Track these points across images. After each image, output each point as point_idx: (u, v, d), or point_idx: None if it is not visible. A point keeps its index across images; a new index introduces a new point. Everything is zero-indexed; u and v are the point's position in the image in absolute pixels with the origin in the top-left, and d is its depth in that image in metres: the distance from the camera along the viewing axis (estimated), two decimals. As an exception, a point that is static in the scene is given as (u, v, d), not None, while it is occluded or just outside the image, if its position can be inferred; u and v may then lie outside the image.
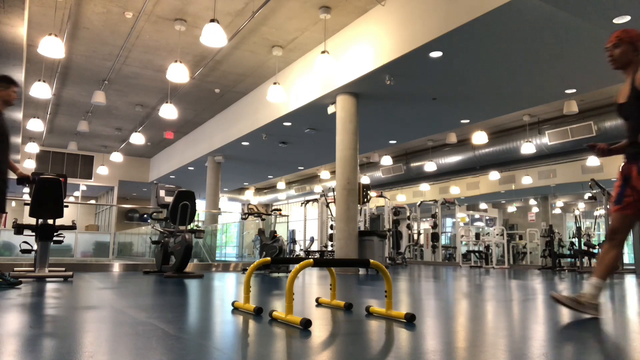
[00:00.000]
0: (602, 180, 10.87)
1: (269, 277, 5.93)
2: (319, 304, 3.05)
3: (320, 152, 12.54)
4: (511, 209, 19.04)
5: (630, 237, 9.34)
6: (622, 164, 2.75)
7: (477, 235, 13.78)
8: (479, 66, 6.88)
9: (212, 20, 5.88)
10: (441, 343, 1.85)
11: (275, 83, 7.89)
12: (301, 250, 17.12)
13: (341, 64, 7.68)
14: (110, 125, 13.49)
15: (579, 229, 10.49)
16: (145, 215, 21.33)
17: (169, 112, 8.40)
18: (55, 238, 4.98)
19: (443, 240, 16.39)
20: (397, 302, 3.26)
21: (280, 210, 8.51)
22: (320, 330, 2.09)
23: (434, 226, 14.65)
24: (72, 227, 5.10)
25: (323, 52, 6.77)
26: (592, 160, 12.24)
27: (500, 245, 12.98)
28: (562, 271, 10.08)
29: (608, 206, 9.53)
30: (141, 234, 14.39)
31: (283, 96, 7.92)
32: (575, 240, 10.59)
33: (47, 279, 4.74)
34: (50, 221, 4.96)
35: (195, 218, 10.04)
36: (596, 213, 12.81)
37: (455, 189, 16.99)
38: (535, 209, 17.76)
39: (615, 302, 3.65)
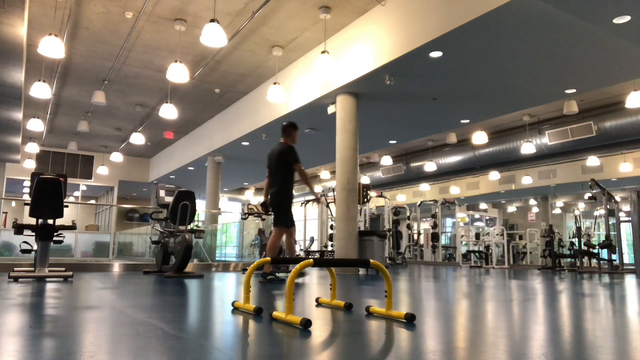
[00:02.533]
0: (602, 180, 10.88)
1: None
2: (319, 304, 3.05)
3: (320, 152, 12.53)
4: (511, 209, 19.04)
5: (630, 237, 9.33)
6: None
7: (477, 235, 13.78)
8: (479, 66, 6.87)
9: (212, 20, 5.88)
10: (441, 343, 1.85)
11: (275, 83, 7.89)
12: (301, 250, 17.11)
13: (341, 64, 7.68)
14: (110, 125, 13.49)
15: (579, 229, 10.49)
16: (145, 215, 21.33)
17: (169, 112, 8.40)
18: (55, 238, 4.98)
19: (443, 240, 16.38)
20: (397, 302, 3.26)
21: (280, 210, 8.48)
22: (320, 330, 2.09)
23: (434, 226, 14.64)
24: (72, 227, 5.10)
25: (323, 52, 6.76)
26: (592, 160, 12.25)
27: (500, 245, 12.98)
28: (562, 271, 10.08)
29: (608, 206, 9.53)
30: (141, 234, 14.40)
31: (283, 96, 7.92)
32: (575, 240, 10.59)
33: (47, 279, 4.74)
34: (50, 221, 4.96)
35: (195, 218, 10.03)
36: (596, 213, 12.81)
37: (455, 189, 16.98)
38: (535, 209, 17.76)
39: (615, 302, 3.66)
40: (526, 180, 14.58)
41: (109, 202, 18.24)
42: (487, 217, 19.52)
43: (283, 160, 5.21)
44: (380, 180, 15.84)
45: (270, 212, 5.43)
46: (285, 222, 5.17)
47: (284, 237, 5.33)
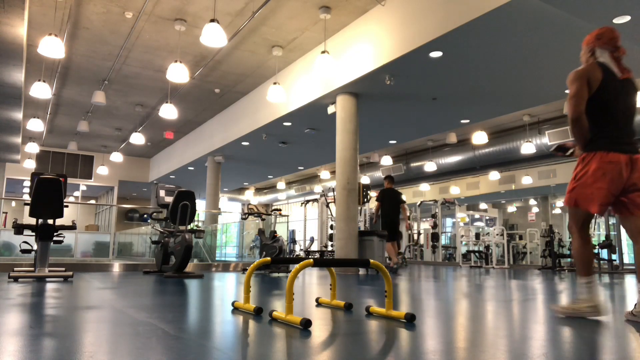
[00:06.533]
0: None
1: (269, 277, 5.93)
2: (319, 304, 3.05)
3: (320, 152, 12.54)
4: (511, 209, 19.04)
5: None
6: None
7: (477, 235, 13.78)
8: (479, 66, 6.88)
9: (212, 20, 5.88)
10: (441, 343, 1.85)
11: (275, 83, 7.89)
12: (301, 250, 17.12)
13: (341, 63, 7.68)
14: (110, 125, 13.50)
15: (579, 229, 10.46)
16: (145, 215, 21.34)
17: (169, 112, 8.40)
18: (55, 238, 4.99)
19: (443, 240, 16.39)
20: (397, 302, 3.26)
21: (280, 210, 8.50)
22: (320, 330, 2.09)
23: (434, 226, 14.65)
24: (72, 227, 5.10)
25: (323, 52, 6.76)
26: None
27: (500, 245, 12.98)
28: (562, 271, 10.08)
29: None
30: (141, 234, 14.40)
31: (283, 96, 7.92)
32: (575, 240, 10.56)
33: (47, 279, 4.74)
34: (50, 221, 4.96)
35: (195, 218, 10.04)
36: (596, 213, 12.78)
37: (455, 189, 16.98)
38: (535, 209, 17.76)
39: (616, 302, 3.66)
40: (526, 180, 14.58)
41: (109, 202, 18.25)
42: (487, 217, 19.52)
43: (399, 201, 8.40)
44: (380, 180, 15.83)
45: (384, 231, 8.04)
46: (397, 238, 8.48)
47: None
